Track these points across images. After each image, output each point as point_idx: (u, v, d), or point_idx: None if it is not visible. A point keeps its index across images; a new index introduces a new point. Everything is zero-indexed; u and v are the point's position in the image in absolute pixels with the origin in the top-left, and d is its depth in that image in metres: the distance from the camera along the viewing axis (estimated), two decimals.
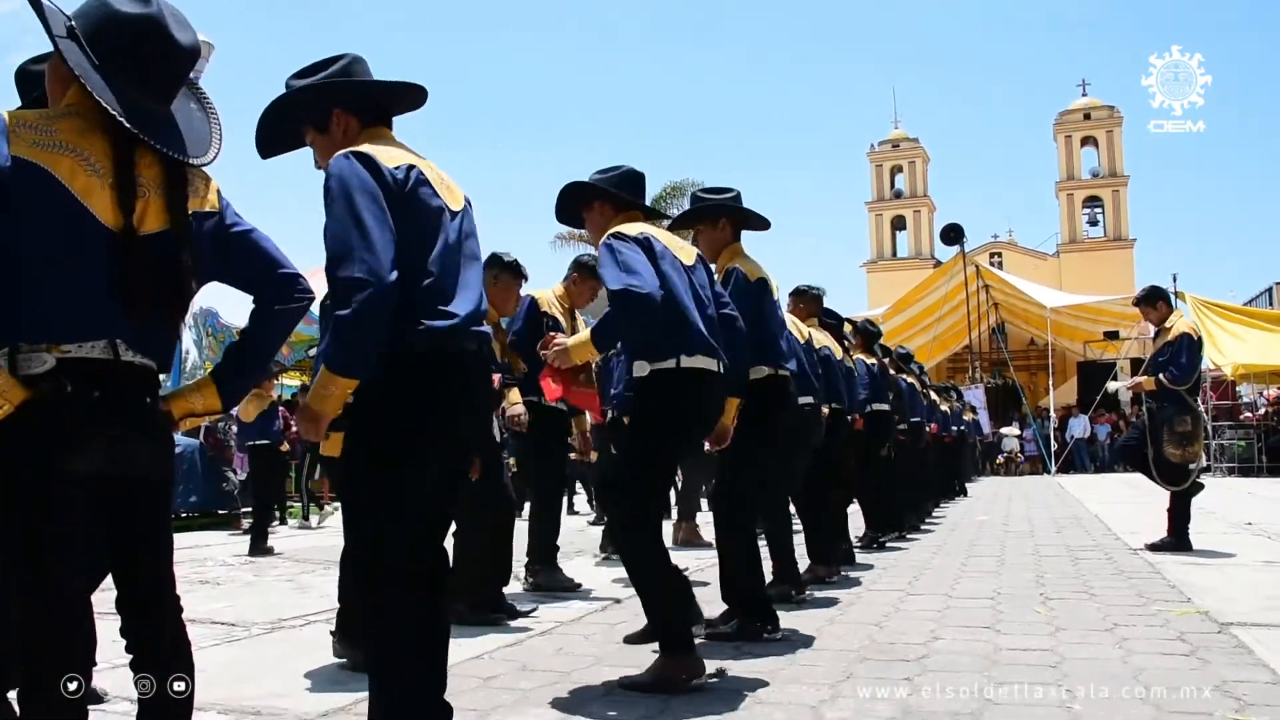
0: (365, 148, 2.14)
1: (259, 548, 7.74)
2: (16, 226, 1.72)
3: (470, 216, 2.36)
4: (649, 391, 3.08)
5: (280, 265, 2.06)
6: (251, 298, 2.06)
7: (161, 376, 1.98)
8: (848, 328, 6.84)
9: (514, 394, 4.63)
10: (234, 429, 10.25)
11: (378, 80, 2.31)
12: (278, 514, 9.09)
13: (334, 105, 2.27)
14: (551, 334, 3.19)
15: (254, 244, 2.05)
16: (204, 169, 1.98)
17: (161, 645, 1.90)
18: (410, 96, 2.37)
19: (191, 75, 2.04)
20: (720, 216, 4.02)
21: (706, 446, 3.55)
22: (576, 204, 3.40)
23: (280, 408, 9.67)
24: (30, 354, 1.74)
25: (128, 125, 1.81)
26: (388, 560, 2.10)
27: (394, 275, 2.02)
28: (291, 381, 14.23)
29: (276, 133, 2.35)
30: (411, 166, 2.17)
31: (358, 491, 2.15)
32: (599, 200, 3.32)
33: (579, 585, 5.07)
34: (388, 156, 2.14)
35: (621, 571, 5.60)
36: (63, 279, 1.77)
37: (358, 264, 1.99)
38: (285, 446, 9.19)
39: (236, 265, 2.03)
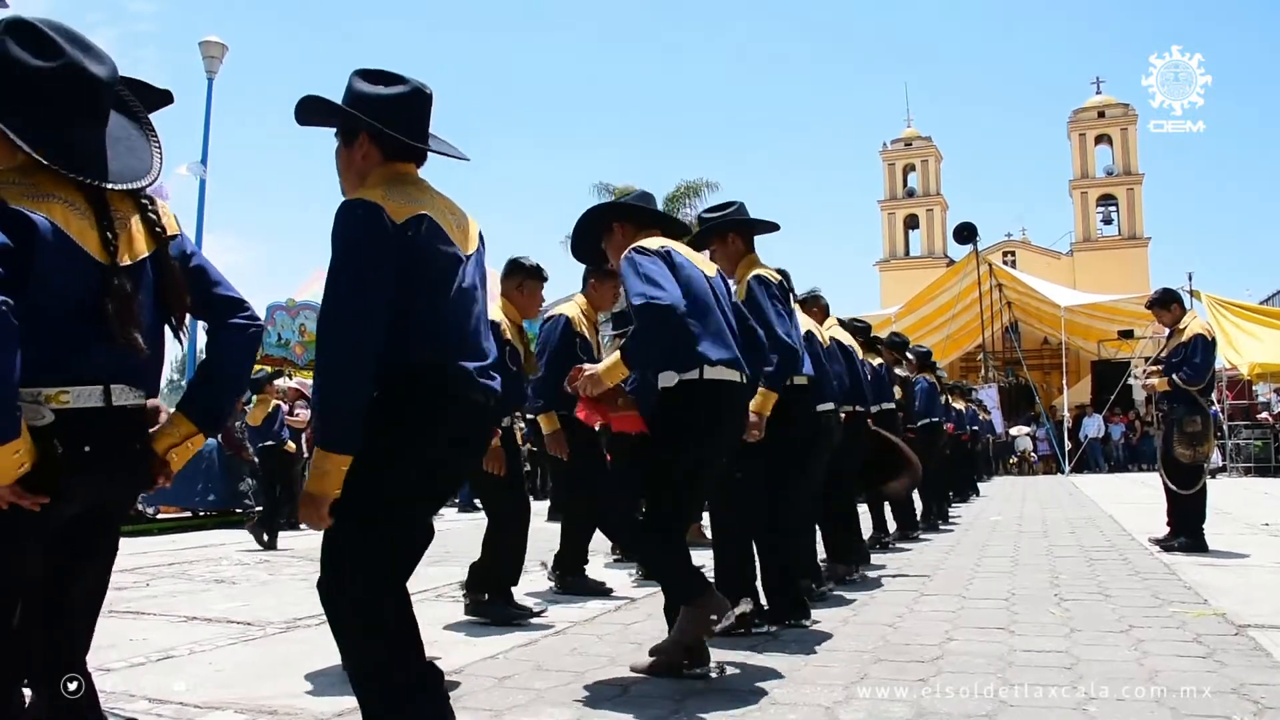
0: (377, 195, 2.06)
1: (261, 541, 8.09)
2: (20, 276, 1.75)
3: (481, 259, 2.33)
4: (673, 402, 3.07)
5: (223, 287, 2.15)
6: (204, 324, 2.16)
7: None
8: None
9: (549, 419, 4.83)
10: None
11: (407, 141, 2.20)
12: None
13: (363, 130, 2.21)
14: (578, 368, 3.14)
15: (200, 268, 2.12)
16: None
17: (67, 647, 2.01)
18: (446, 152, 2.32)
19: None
20: (727, 232, 4.02)
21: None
22: (595, 232, 3.37)
23: (280, 405, 9.75)
24: (30, 404, 1.79)
25: (86, 180, 1.89)
26: (383, 580, 2.05)
27: (372, 354, 1.98)
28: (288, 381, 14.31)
29: (316, 111, 2.27)
30: (423, 218, 2.09)
31: (358, 524, 2.05)
32: (618, 222, 3.30)
33: (610, 590, 5.09)
34: (397, 207, 2.06)
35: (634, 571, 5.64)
36: (65, 321, 1.84)
37: (344, 339, 1.97)
38: (290, 446, 9.26)
39: (190, 289, 2.10)
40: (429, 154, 2.28)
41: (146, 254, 1.97)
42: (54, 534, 1.93)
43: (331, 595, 2.02)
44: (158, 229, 2.01)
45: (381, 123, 2.16)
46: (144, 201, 2.03)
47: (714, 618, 2.97)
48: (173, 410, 2.14)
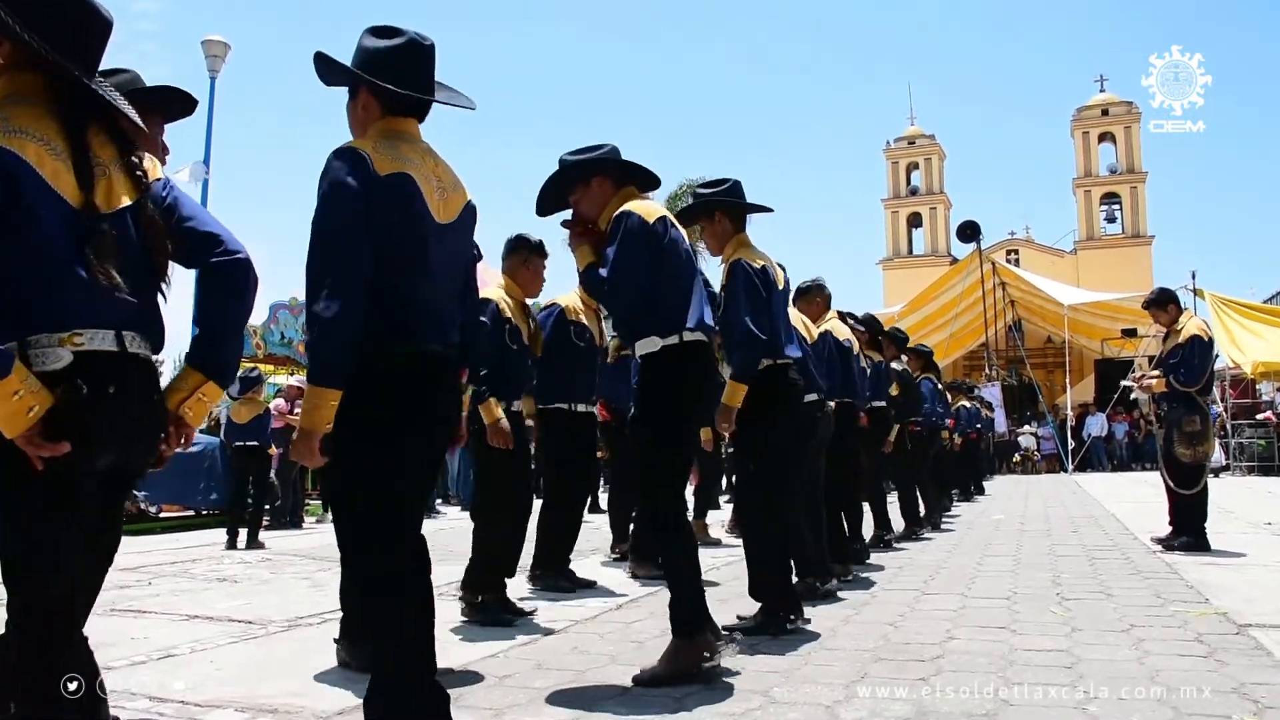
0: (368, 146, 2.15)
1: (236, 546, 8.07)
2: (11, 216, 1.72)
3: (464, 227, 2.36)
4: (659, 365, 3.15)
5: (196, 223, 2.03)
6: (193, 270, 2.06)
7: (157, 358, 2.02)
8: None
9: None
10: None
11: (394, 90, 2.24)
12: (269, 513, 9.18)
13: (361, 84, 2.29)
14: (585, 225, 3.31)
15: (173, 205, 2.02)
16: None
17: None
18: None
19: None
20: (714, 210, 3.99)
21: (705, 435, 3.62)
22: (570, 184, 3.33)
23: (272, 407, 9.75)
24: (44, 349, 1.74)
25: (103, 97, 1.86)
26: (386, 557, 2.13)
27: (359, 290, 2.06)
28: (279, 378, 14.35)
29: (325, 70, 2.35)
30: (406, 177, 2.16)
31: (347, 498, 2.17)
32: (598, 176, 3.28)
33: (592, 584, 5.10)
34: (384, 160, 2.14)
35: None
36: (62, 265, 1.77)
37: (330, 277, 2.05)
38: (273, 450, 9.22)
39: (172, 231, 2.02)
40: (430, 115, 2.34)
41: (128, 203, 1.90)
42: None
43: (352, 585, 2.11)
44: (139, 173, 1.94)
45: (378, 76, 2.23)
46: (131, 151, 1.96)
47: (706, 654, 2.96)
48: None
